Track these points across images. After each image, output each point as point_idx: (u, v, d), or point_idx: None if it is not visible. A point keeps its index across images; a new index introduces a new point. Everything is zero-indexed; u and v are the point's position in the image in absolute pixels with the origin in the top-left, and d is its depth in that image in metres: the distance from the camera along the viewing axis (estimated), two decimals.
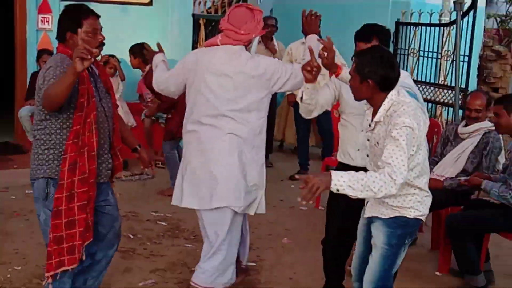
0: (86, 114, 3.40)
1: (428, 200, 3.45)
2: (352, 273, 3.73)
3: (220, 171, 3.91)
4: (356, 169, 3.23)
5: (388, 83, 3.19)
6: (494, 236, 4.72)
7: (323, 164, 6.79)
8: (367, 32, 3.82)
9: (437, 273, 5.00)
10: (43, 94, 3.32)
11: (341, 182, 2.96)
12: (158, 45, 4.56)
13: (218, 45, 4.02)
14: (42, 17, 7.64)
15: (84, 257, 3.57)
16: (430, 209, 5.09)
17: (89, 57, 3.18)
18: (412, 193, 3.34)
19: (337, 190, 2.98)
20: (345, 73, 3.59)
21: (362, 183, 2.96)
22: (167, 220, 5.74)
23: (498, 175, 4.69)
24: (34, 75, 7.60)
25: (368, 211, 3.45)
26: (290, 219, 6.09)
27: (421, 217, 3.42)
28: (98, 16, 3.58)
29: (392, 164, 3.01)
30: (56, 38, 3.59)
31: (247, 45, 4.12)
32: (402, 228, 3.36)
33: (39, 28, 7.65)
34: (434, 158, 5.21)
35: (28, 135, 7.61)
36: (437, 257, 5.18)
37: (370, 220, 3.46)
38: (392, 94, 3.21)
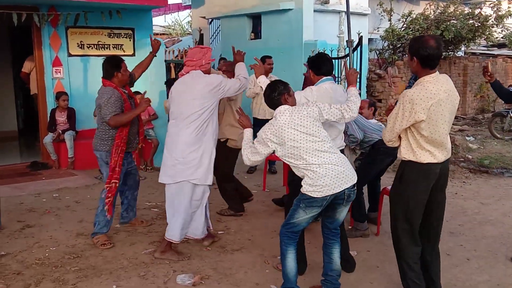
0: None
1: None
2: None
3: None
4: None
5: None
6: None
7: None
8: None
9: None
10: (112, 120, 4.27)
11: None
12: None
13: (183, 74, 4.24)
14: (55, 69, 7.53)
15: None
16: None
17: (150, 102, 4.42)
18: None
19: None
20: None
21: None
22: (158, 207, 5.73)
23: None
24: (53, 111, 7.49)
25: None
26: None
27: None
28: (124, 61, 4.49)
29: None
30: (103, 77, 4.42)
31: (205, 71, 4.22)
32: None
33: (54, 77, 7.53)
34: None
35: (51, 155, 7.49)
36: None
37: None
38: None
